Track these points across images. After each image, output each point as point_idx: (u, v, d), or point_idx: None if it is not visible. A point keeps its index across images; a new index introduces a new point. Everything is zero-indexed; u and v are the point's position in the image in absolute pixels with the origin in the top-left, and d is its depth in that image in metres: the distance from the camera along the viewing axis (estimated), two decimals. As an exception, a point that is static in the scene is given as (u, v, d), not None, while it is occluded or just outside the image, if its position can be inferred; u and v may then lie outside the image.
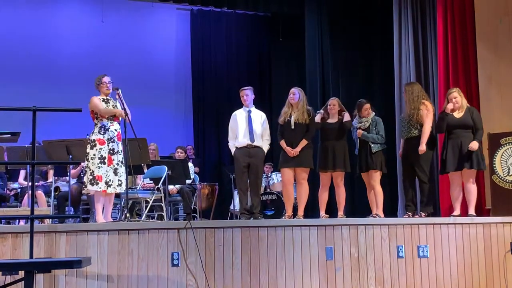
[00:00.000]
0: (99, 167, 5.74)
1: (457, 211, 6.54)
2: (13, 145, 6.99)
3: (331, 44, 10.73)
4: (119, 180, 5.85)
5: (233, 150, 6.95)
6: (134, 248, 5.03)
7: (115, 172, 5.82)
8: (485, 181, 7.35)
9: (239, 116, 6.97)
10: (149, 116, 10.51)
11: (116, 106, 5.98)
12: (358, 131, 6.87)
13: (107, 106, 5.92)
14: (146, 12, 11.63)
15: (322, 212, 6.79)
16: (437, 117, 6.99)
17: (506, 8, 7.78)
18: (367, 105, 6.97)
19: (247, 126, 6.86)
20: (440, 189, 8.20)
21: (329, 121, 6.92)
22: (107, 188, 5.75)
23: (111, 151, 5.82)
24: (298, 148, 6.63)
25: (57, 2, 11.26)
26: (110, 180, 5.77)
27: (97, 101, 5.89)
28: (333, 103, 6.95)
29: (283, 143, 6.74)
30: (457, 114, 6.61)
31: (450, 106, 6.60)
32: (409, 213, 6.71)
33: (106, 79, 6.01)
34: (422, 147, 6.62)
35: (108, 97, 6.00)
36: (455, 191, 6.63)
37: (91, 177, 5.72)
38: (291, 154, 6.63)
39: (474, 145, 6.40)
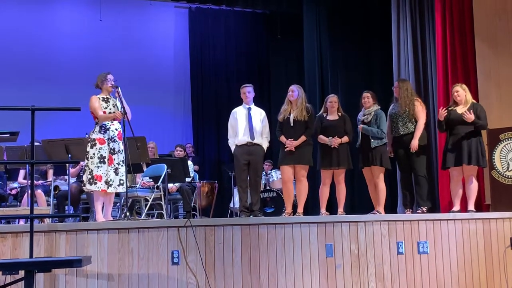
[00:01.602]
0: (98, 167, 5.72)
1: (456, 207, 6.55)
2: (12, 145, 6.99)
3: (330, 42, 10.72)
4: (120, 179, 5.83)
5: (232, 147, 6.94)
6: (134, 246, 5.02)
7: (116, 171, 5.80)
8: (484, 176, 7.36)
9: (239, 114, 6.96)
10: (148, 115, 10.51)
11: (116, 105, 5.96)
12: (359, 126, 6.84)
13: (107, 105, 5.90)
14: (144, 10, 11.63)
15: (323, 210, 6.78)
16: (433, 115, 7.01)
17: (504, 5, 7.78)
18: (366, 94, 6.91)
19: (247, 124, 6.86)
20: (439, 185, 8.21)
21: (329, 118, 6.90)
22: (107, 188, 5.74)
23: (112, 151, 5.81)
24: (297, 143, 6.62)
25: (55, 1, 11.26)
26: (111, 179, 5.76)
27: (97, 104, 5.85)
28: (333, 100, 6.92)
29: (283, 138, 6.73)
30: (460, 110, 6.61)
31: (442, 113, 6.61)
32: (409, 209, 6.72)
33: (110, 76, 6.00)
34: (416, 142, 6.64)
35: (108, 96, 5.98)
36: (455, 186, 6.65)
37: (89, 176, 5.71)
38: (289, 147, 6.62)
39: (471, 116, 6.41)
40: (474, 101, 6.73)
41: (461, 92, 6.64)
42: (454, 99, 6.70)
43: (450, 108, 6.72)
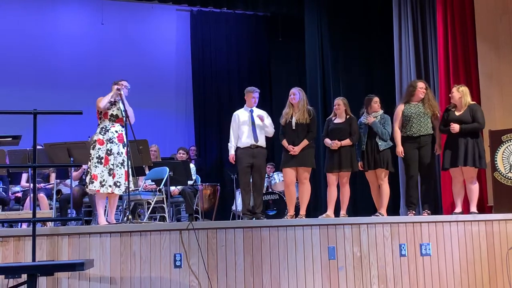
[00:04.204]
0: (96, 167, 5.78)
1: (458, 208, 6.54)
2: (14, 148, 7.00)
3: (331, 44, 10.71)
4: (117, 181, 5.84)
5: (232, 151, 6.93)
6: (136, 250, 5.02)
7: (110, 172, 5.82)
8: (487, 178, 7.35)
9: (241, 116, 6.96)
10: (150, 118, 10.52)
11: (120, 108, 6.00)
12: (369, 117, 6.77)
13: (111, 107, 5.96)
14: (145, 14, 11.65)
15: (330, 211, 6.74)
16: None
17: (506, 6, 7.77)
18: (377, 98, 6.88)
19: (250, 126, 6.86)
20: (442, 187, 8.20)
21: (336, 121, 6.89)
22: (100, 188, 5.77)
23: (108, 152, 5.83)
24: (299, 148, 6.62)
25: (57, 5, 11.28)
26: (104, 180, 5.78)
27: (100, 98, 5.93)
28: (338, 102, 6.90)
29: (285, 142, 6.73)
30: (458, 111, 6.61)
31: None
32: (413, 212, 6.70)
33: (125, 82, 6.10)
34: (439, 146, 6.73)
35: (116, 100, 6.02)
36: (456, 188, 6.64)
37: (89, 176, 5.80)
38: (291, 152, 6.63)
39: (454, 127, 6.43)
40: (472, 102, 6.71)
41: (456, 94, 6.64)
42: None
43: (449, 109, 6.72)
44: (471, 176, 6.51)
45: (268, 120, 6.95)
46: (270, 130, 6.95)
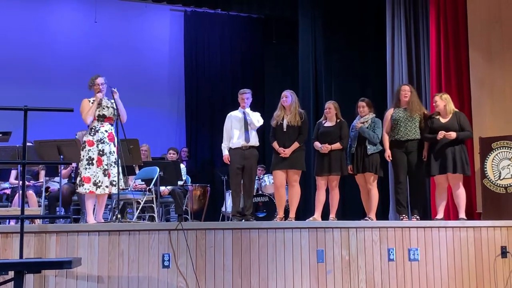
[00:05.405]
0: (86, 168, 5.77)
1: (440, 215, 6.55)
2: (4, 145, 6.96)
3: (325, 47, 10.73)
4: (112, 181, 5.84)
5: (225, 152, 6.93)
6: (124, 249, 5.01)
7: (105, 173, 5.81)
8: (476, 185, 7.38)
9: (234, 117, 6.96)
10: (141, 117, 10.47)
11: (108, 106, 5.98)
12: (357, 124, 6.77)
13: (98, 107, 5.93)
14: (139, 13, 11.62)
15: (317, 214, 6.73)
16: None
17: (498, 14, 7.81)
18: (361, 103, 6.87)
19: (243, 127, 6.86)
20: (431, 192, 8.22)
21: (326, 124, 6.89)
22: (96, 189, 5.75)
23: (100, 152, 5.82)
24: (290, 150, 6.62)
25: (50, 2, 11.24)
26: (99, 181, 5.77)
27: (85, 105, 5.92)
28: (329, 106, 6.91)
29: (275, 145, 6.73)
30: (443, 119, 6.62)
31: None
32: (406, 216, 6.69)
33: (99, 80, 6.00)
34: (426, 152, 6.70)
35: (104, 98, 6.00)
36: (440, 194, 6.65)
37: (79, 178, 5.80)
38: (282, 154, 6.62)
39: (451, 134, 6.42)
40: (456, 110, 6.71)
41: (439, 102, 6.64)
42: None
43: (433, 117, 6.71)
44: (458, 182, 6.52)
45: (255, 118, 6.95)
46: (258, 124, 6.96)
